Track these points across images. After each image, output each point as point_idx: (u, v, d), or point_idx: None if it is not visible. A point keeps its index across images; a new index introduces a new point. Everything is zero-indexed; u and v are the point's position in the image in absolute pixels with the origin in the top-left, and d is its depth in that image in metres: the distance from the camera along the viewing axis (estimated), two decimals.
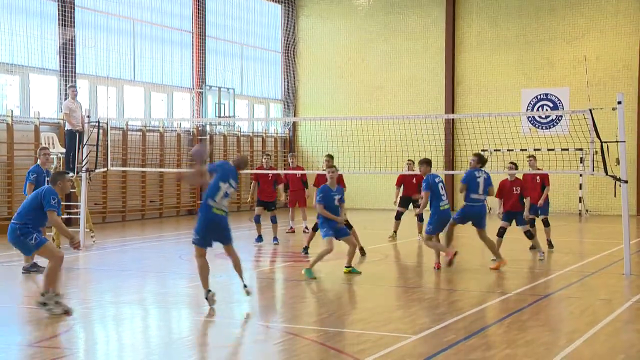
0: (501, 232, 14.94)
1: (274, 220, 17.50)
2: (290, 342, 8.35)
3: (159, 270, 14.07)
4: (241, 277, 10.43)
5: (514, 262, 14.96)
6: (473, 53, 29.04)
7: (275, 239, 17.46)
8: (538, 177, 16.43)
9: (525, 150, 25.90)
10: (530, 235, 15.02)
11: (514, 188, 15.13)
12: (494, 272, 13.73)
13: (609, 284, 12.28)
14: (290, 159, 20.80)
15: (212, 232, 10.15)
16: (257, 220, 17.40)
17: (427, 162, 14.13)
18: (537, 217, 16.21)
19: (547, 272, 13.66)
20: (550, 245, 16.47)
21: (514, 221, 14.95)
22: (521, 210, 14.95)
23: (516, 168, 15.47)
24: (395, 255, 16.28)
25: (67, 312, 9.52)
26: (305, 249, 15.21)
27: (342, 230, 12.75)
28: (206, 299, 10.07)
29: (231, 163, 10.59)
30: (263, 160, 18.18)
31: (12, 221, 9.89)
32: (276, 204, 17.85)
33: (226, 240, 10.36)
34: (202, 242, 10.21)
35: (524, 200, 15.04)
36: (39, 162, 13.90)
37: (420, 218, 18.39)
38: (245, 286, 10.35)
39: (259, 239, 17.39)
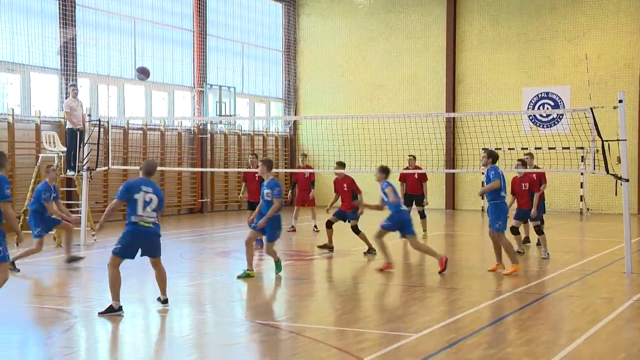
0: (515, 230, 14.99)
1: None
2: (291, 341, 8.35)
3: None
4: (162, 291, 10.29)
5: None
6: (474, 51, 29.03)
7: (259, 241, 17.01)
8: (535, 176, 16.41)
9: (527, 149, 25.91)
10: (539, 231, 15.07)
11: (523, 184, 15.32)
12: (494, 270, 13.72)
13: (610, 282, 12.28)
14: (300, 158, 20.89)
15: (136, 243, 10.07)
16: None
17: (383, 170, 13.57)
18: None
19: (548, 270, 13.65)
20: (527, 240, 16.69)
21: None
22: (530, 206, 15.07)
23: (524, 166, 15.51)
24: (396, 254, 16.26)
25: None
26: (371, 250, 15.39)
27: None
28: (115, 310, 9.56)
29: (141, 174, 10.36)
30: (249, 160, 18.01)
31: None
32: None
33: (152, 252, 10.25)
34: (122, 252, 10.05)
35: (534, 195, 15.15)
36: (47, 180, 13.78)
37: (422, 215, 18.46)
38: (161, 299, 10.21)
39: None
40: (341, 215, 15.91)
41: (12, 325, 9.47)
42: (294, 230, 20.04)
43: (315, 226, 19.94)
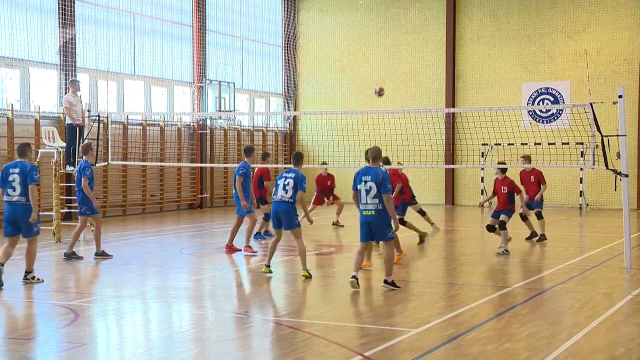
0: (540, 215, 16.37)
1: (266, 218, 17.30)
2: (291, 336, 8.35)
3: (159, 264, 14.08)
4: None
5: (514, 257, 14.97)
6: (474, 47, 29.01)
7: (259, 234, 17.45)
8: (533, 176, 16.87)
9: (526, 144, 25.92)
10: (503, 225, 15.06)
11: (531, 177, 16.51)
12: (494, 266, 13.74)
13: (609, 277, 12.29)
14: (323, 168, 20.71)
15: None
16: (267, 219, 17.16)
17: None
18: (533, 210, 17.01)
19: (548, 266, 13.66)
20: (543, 237, 16.95)
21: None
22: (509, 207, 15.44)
23: (529, 161, 16.65)
24: (395, 251, 16.25)
25: None
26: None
27: None
28: None
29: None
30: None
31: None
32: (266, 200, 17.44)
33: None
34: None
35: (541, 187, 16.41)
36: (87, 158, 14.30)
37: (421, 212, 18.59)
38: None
39: (261, 236, 17.48)
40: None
41: (12, 320, 9.48)
42: (342, 225, 20.30)
43: (335, 221, 20.30)
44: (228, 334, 8.73)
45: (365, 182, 10.80)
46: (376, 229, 10.88)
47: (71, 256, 14.04)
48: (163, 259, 14.81)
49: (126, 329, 9.09)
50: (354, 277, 11.00)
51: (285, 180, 12.15)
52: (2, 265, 11.10)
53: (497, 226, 15.02)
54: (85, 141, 15.92)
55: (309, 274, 12.04)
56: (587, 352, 7.68)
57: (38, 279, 11.42)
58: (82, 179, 13.95)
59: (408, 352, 7.67)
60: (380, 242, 11.08)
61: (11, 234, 11.28)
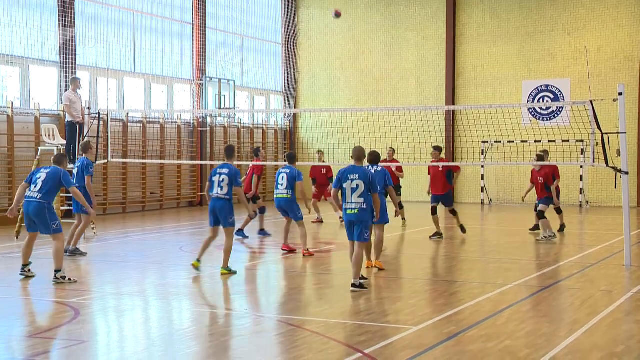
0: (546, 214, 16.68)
1: (262, 211, 17.35)
2: (291, 334, 8.36)
3: (159, 262, 14.08)
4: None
5: (515, 255, 14.99)
6: (474, 44, 29.00)
7: (262, 231, 17.48)
8: (541, 178, 17.15)
9: (526, 142, 25.92)
10: (542, 215, 16.44)
11: (539, 178, 16.85)
12: (494, 263, 13.74)
13: (609, 275, 12.29)
14: (317, 155, 21.04)
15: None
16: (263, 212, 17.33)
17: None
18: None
19: (548, 263, 13.66)
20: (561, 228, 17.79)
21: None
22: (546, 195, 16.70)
23: (541, 160, 17.10)
24: (395, 248, 16.29)
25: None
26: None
27: None
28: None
29: None
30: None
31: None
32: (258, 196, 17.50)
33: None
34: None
35: (551, 187, 16.85)
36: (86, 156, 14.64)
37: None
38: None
39: (262, 232, 17.47)
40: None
41: (12, 318, 9.48)
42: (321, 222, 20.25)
43: (341, 217, 20.24)
44: (228, 331, 8.74)
45: (352, 180, 10.71)
46: (357, 228, 10.77)
47: (74, 252, 14.19)
48: (163, 257, 14.81)
49: (126, 327, 9.09)
50: (359, 284, 10.75)
51: (219, 177, 12.13)
52: (27, 265, 11.65)
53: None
54: (85, 139, 15.99)
55: (229, 271, 12.04)
56: (587, 350, 7.69)
57: (70, 279, 11.30)
58: (86, 177, 14.21)
59: (408, 349, 7.67)
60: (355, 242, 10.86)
61: (31, 230, 11.55)
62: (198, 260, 12.30)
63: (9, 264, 13.43)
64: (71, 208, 19.74)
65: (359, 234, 10.76)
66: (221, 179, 12.04)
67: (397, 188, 18.86)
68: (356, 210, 10.68)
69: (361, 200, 10.65)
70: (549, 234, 16.34)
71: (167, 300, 10.50)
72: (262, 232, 17.42)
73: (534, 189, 17.20)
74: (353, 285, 10.74)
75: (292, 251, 14.55)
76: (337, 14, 15.61)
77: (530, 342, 7.95)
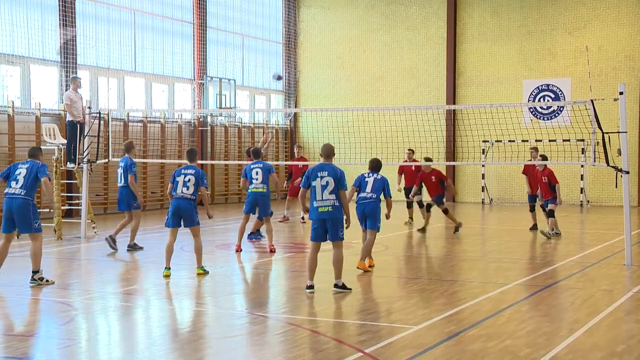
0: (551, 213, 17.06)
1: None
2: (291, 333, 8.36)
3: (160, 262, 14.05)
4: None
5: (515, 254, 14.99)
6: (474, 44, 28.99)
7: (259, 234, 17.08)
8: (545, 177, 17.24)
9: (527, 141, 25.93)
10: (552, 214, 16.95)
11: (543, 177, 17.02)
12: (494, 262, 13.74)
13: (610, 274, 12.28)
14: (295, 149, 20.95)
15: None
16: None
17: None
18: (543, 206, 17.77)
19: (548, 262, 13.66)
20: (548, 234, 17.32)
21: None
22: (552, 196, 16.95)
23: (545, 159, 17.29)
24: (396, 247, 16.28)
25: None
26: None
27: None
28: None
29: None
30: (296, 151, 18.38)
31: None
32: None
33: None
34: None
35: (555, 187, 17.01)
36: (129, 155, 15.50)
37: (421, 204, 18.50)
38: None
39: (253, 236, 17.12)
40: None
41: (13, 317, 9.49)
42: (287, 220, 20.21)
43: (303, 217, 20.13)
44: (229, 330, 8.74)
45: (322, 177, 10.52)
46: (331, 227, 10.49)
47: (134, 247, 14.94)
48: (163, 256, 14.78)
49: (127, 326, 9.09)
50: (309, 286, 10.59)
51: (185, 177, 12.33)
52: None
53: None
54: (128, 140, 16.40)
55: (204, 271, 12.07)
56: (587, 349, 7.68)
57: (47, 280, 11.08)
58: (130, 176, 15.02)
59: (409, 349, 7.67)
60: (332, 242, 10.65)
61: (7, 231, 11.11)
62: (168, 269, 11.91)
63: (7, 262, 13.42)
64: (71, 208, 19.81)
65: (334, 233, 10.49)
66: (187, 179, 12.25)
67: (419, 187, 18.69)
68: (329, 208, 10.41)
69: (332, 197, 10.43)
70: (556, 231, 16.79)
71: (168, 299, 10.50)
72: (258, 234, 17.16)
73: (539, 188, 17.33)
74: (335, 285, 10.61)
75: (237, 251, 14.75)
76: (278, 78, 16.61)
77: (531, 341, 7.95)
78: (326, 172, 10.52)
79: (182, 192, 12.15)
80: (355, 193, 12.43)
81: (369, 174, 12.43)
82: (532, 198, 18.07)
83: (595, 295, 10.54)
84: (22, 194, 10.92)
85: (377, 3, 30.56)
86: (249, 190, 14.75)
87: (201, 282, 11.94)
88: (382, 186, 12.24)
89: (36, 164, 11.16)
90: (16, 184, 10.99)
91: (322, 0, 31.56)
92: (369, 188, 12.26)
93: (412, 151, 19.70)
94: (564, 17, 27.69)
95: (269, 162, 15.19)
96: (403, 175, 20.09)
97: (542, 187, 17.11)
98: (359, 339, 8.01)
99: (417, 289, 11.09)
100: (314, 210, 10.54)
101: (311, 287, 10.62)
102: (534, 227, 18.12)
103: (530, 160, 18.04)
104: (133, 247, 14.95)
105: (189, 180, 12.17)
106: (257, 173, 14.64)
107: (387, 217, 12.43)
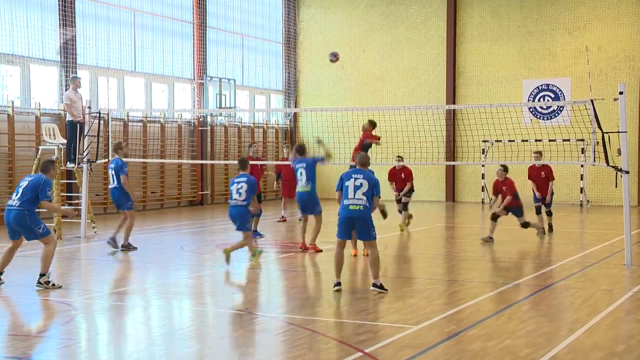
0: (538, 210, 17.45)
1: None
2: (291, 333, 8.36)
3: (160, 261, 14.08)
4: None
5: (515, 254, 14.98)
6: (474, 44, 28.99)
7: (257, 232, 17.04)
8: (543, 173, 17.23)
9: (527, 141, 25.93)
10: (550, 213, 17.39)
11: (542, 173, 17.19)
12: (494, 262, 13.75)
13: (609, 274, 12.29)
14: (285, 149, 20.87)
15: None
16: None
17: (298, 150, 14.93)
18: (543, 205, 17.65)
19: (548, 262, 13.66)
20: (550, 228, 17.71)
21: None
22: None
23: (541, 156, 17.57)
24: (396, 247, 16.28)
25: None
26: None
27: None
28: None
29: None
30: (251, 150, 18.02)
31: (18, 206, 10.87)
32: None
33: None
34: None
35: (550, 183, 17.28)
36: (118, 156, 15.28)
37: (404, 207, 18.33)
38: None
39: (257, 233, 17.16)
40: None
41: (12, 316, 9.49)
42: (284, 220, 20.19)
43: (300, 217, 20.01)
44: (229, 330, 8.74)
45: (357, 178, 10.61)
46: (362, 227, 10.59)
47: (128, 247, 14.87)
48: (164, 256, 14.82)
49: (127, 326, 9.09)
50: (337, 284, 10.65)
51: (238, 185, 13.06)
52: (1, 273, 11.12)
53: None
54: (115, 141, 16.32)
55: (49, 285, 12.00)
56: (587, 349, 7.69)
57: (54, 284, 10.84)
58: (122, 176, 14.82)
59: (409, 348, 7.67)
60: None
61: (12, 238, 11.12)
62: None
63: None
64: (71, 207, 19.76)
65: (366, 233, 10.58)
66: (239, 187, 13.00)
67: (410, 192, 18.62)
68: (361, 207, 10.47)
69: (365, 198, 10.50)
70: (541, 226, 16.92)
71: (168, 299, 10.51)
72: (256, 232, 17.05)
73: (536, 185, 17.37)
74: (374, 285, 10.62)
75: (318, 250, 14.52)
76: (335, 58, 16.49)
77: (531, 341, 7.95)
78: (361, 175, 10.64)
79: (234, 199, 13.02)
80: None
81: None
82: (538, 200, 17.76)
83: (595, 295, 10.54)
84: (17, 205, 10.79)
85: (377, 3, 30.56)
86: (297, 191, 14.70)
87: (201, 282, 11.94)
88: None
89: (40, 180, 10.96)
90: (15, 195, 10.95)
91: (322, 0, 31.56)
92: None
93: (401, 158, 19.34)
94: (563, 17, 27.69)
95: (311, 158, 14.79)
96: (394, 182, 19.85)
97: (540, 183, 17.18)
98: (359, 339, 8.01)
99: (417, 289, 11.09)
100: (344, 208, 10.58)
101: (338, 284, 10.63)
102: (549, 229, 17.79)
103: (532, 160, 18.07)
104: (127, 247, 14.87)
105: (242, 187, 12.98)
106: (301, 173, 14.51)
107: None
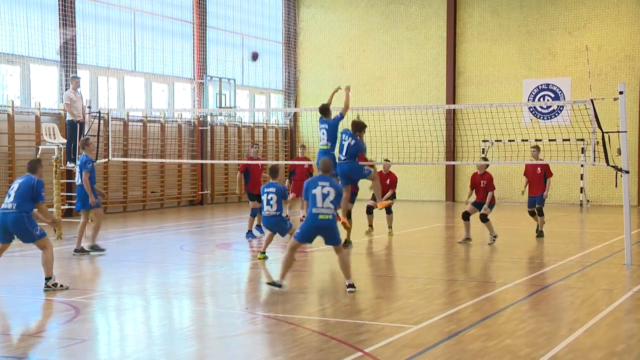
0: (532, 213, 17.07)
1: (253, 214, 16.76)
2: (291, 332, 8.36)
3: (160, 261, 14.08)
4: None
5: (515, 253, 14.98)
6: (474, 43, 28.99)
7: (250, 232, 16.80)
8: (539, 168, 16.85)
9: (527, 140, 25.93)
10: (541, 212, 16.77)
11: (538, 168, 16.74)
12: (494, 262, 13.75)
13: (609, 274, 12.28)
14: (300, 149, 20.91)
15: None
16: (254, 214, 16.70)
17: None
18: (536, 206, 17.07)
19: (548, 262, 13.66)
20: (541, 234, 16.97)
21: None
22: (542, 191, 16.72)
23: (539, 151, 17.00)
24: (396, 247, 16.28)
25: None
26: None
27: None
28: None
29: None
30: (252, 151, 17.67)
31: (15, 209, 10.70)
32: None
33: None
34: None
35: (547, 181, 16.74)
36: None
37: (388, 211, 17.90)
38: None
39: (251, 234, 16.78)
40: None
41: (12, 316, 9.49)
42: (288, 218, 20.07)
43: (304, 216, 19.85)
44: (229, 330, 8.74)
45: (323, 186, 10.58)
46: (330, 234, 10.62)
47: (82, 252, 14.13)
48: (164, 256, 14.81)
49: (127, 326, 9.09)
50: (280, 285, 10.58)
51: (267, 195, 13.02)
52: None
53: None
54: (85, 137, 16.01)
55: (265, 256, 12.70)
56: (587, 349, 7.68)
57: (61, 285, 10.80)
58: (83, 173, 14.17)
59: (409, 348, 7.67)
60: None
61: (3, 241, 10.87)
62: (263, 253, 12.90)
63: (6, 262, 13.43)
64: (70, 207, 19.79)
65: (335, 239, 10.56)
66: (270, 198, 12.94)
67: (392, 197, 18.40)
68: (330, 216, 10.46)
69: (332, 206, 10.48)
70: (494, 233, 15.84)
71: (168, 299, 10.50)
72: (250, 234, 16.75)
73: (529, 183, 17.02)
74: (349, 286, 10.57)
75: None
76: (255, 57, 16.73)
77: (531, 341, 7.95)
78: (328, 183, 10.59)
79: (267, 210, 13.09)
80: None
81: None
82: (533, 201, 17.42)
83: (595, 294, 10.54)
84: (13, 207, 10.63)
85: (377, 2, 30.56)
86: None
87: (201, 281, 11.94)
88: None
89: (31, 182, 10.87)
90: (8, 198, 10.77)
91: (322, 0, 31.58)
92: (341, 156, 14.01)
93: (388, 160, 18.99)
94: (563, 16, 27.69)
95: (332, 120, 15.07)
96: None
97: (535, 179, 16.72)
98: (359, 339, 8.01)
99: (417, 289, 11.09)
100: (312, 217, 10.49)
101: (280, 285, 10.57)
102: (539, 234, 17.28)
103: (532, 160, 17.70)
104: (94, 249, 14.25)
105: (272, 198, 13.04)
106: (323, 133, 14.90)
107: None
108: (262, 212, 13.33)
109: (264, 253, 13.53)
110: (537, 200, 16.84)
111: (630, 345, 7.90)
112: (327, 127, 14.94)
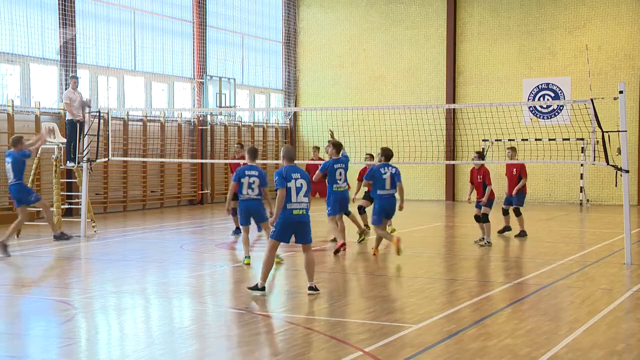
0: (505, 212, 17.25)
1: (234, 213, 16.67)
2: (291, 332, 8.36)
3: (160, 260, 14.08)
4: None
5: (514, 253, 14.99)
6: (474, 43, 29.00)
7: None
8: (515, 169, 17.05)
9: (527, 140, 25.93)
10: (519, 213, 16.93)
11: (514, 169, 16.89)
12: (494, 261, 13.75)
13: (609, 273, 12.29)
14: (313, 151, 20.85)
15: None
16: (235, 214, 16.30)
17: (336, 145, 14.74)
18: (512, 206, 17.29)
19: (548, 261, 13.66)
20: (524, 234, 17.02)
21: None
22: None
23: (515, 152, 17.19)
24: (393, 246, 16.26)
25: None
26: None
27: None
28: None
29: None
30: (235, 149, 17.59)
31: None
32: None
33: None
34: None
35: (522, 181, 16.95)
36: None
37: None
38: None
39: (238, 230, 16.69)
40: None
41: (12, 316, 9.49)
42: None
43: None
44: (229, 329, 8.74)
45: (296, 179, 10.20)
46: (304, 230, 10.26)
47: (61, 237, 15.66)
48: (163, 255, 14.81)
49: (127, 325, 9.09)
50: (263, 288, 10.35)
51: (249, 178, 12.50)
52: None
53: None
54: (15, 135, 16.41)
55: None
56: (587, 348, 7.69)
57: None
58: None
59: (409, 347, 7.68)
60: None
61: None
62: (247, 257, 12.84)
63: (8, 262, 13.44)
64: (71, 207, 19.80)
65: (307, 237, 10.28)
66: (251, 181, 12.52)
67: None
68: (303, 211, 10.15)
69: (306, 199, 10.23)
70: (488, 239, 15.57)
71: (168, 298, 10.50)
72: (237, 230, 16.55)
73: (509, 183, 17.14)
74: (311, 288, 10.34)
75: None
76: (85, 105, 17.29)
77: (531, 340, 7.95)
78: (299, 174, 10.25)
79: (247, 193, 12.46)
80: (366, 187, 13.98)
81: (382, 166, 13.64)
82: (509, 200, 17.37)
83: (595, 294, 10.54)
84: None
85: (377, 2, 30.55)
86: (334, 189, 14.54)
87: (201, 281, 11.94)
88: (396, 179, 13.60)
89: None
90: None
91: None
92: (387, 185, 13.58)
93: (371, 156, 18.77)
94: (563, 16, 27.69)
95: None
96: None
97: (512, 180, 16.87)
98: (359, 338, 8.01)
99: (417, 288, 11.09)
100: (288, 213, 10.12)
101: (263, 289, 10.34)
102: (506, 229, 17.39)
103: (510, 159, 17.50)
104: (61, 236, 15.47)
105: (254, 182, 12.41)
106: (340, 173, 14.54)
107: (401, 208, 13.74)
108: (240, 196, 12.46)
109: (249, 257, 12.89)
110: (514, 200, 17.06)
111: (630, 344, 7.90)
112: (343, 166, 14.71)
